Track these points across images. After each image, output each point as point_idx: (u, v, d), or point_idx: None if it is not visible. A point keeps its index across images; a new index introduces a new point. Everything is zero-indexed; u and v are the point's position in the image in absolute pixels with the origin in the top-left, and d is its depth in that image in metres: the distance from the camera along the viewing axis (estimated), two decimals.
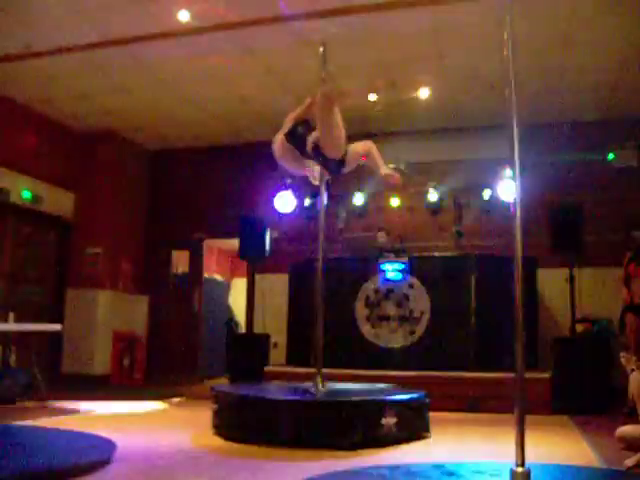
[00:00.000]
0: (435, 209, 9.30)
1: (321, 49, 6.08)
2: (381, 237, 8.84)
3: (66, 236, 10.47)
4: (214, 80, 8.65)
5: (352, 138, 5.39)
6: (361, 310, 8.17)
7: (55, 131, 10.18)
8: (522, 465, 2.74)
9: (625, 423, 4.61)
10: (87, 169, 10.60)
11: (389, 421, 4.84)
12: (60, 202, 10.25)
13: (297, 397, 5.20)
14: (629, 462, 4.05)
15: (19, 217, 9.54)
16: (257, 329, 9.54)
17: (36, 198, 9.61)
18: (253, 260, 9.71)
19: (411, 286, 8.09)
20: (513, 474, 2.74)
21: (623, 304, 6.81)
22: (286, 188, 9.55)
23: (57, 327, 8.24)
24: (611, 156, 9.11)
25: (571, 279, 8.04)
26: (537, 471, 2.90)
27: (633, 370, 4.42)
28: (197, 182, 11.23)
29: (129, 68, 8.30)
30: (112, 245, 10.59)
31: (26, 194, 9.45)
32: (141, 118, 10.13)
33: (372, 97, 8.80)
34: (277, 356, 9.38)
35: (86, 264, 10.34)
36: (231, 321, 12.82)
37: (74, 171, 10.52)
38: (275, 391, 5.82)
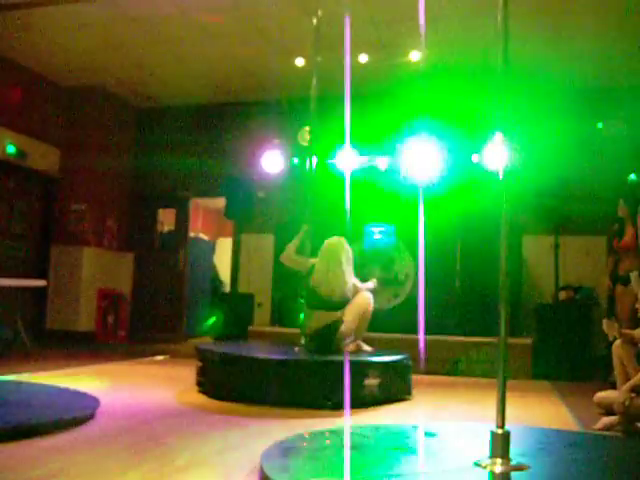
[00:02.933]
0: None
1: (315, 20, 6.06)
2: None
3: (51, 192, 10.39)
4: (204, 38, 8.53)
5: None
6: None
7: (41, 86, 10.03)
8: (502, 427, 2.78)
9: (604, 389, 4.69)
10: (73, 125, 10.49)
11: (372, 382, 4.89)
12: (45, 157, 10.14)
13: (281, 356, 5.23)
14: (597, 426, 4.15)
15: (3, 172, 9.44)
16: (242, 289, 9.56)
17: (21, 153, 9.50)
18: (239, 220, 9.69)
19: (397, 249, 8.11)
20: (493, 435, 2.78)
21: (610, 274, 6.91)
22: (273, 148, 9.50)
23: (42, 283, 8.23)
24: (600, 125, 9.10)
25: (556, 246, 8.09)
26: (516, 433, 2.95)
27: (615, 337, 4.49)
28: (184, 140, 11.13)
29: (118, 23, 8.16)
30: (97, 202, 10.52)
31: (10, 149, 9.34)
32: (129, 75, 9.99)
33: (363, 58, 8.74)
34: (261, 316, 9.42)
35: (71, 220, 10.28)
36: (216, 280, 12.83)
37: (60, 127, 10.40)
38: (259, 350, 5.86)
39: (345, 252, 5.78)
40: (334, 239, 5.88)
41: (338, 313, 5.57)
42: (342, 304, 5.62)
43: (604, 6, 7.26)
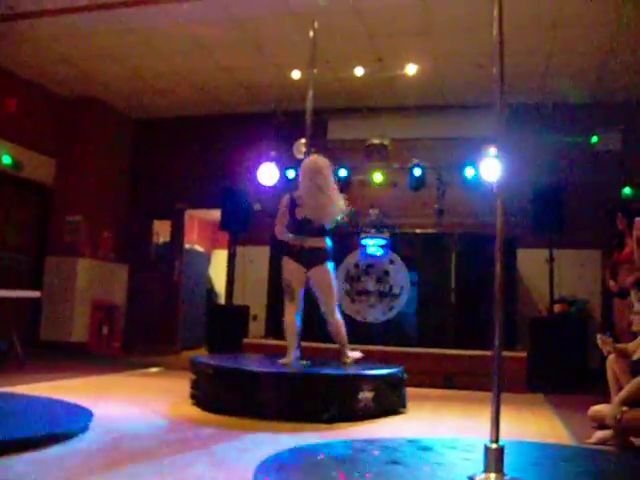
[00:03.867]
0: (418, 186, 9.27)
1: (311, 33, 6.08)
2: (373, 213, 8.85)
3: (46, 203, 10.38)
4: (200, 50, 8.55)
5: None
6: (341, 284, 8.16)
7: (37, 96, 10.04)
8: (496, 441, 2.78)
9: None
10: (69, 136, 10.49)
11: (366, 395, 4.88)
12: (41, 168, 10.14)
13: (275, 370, 5.22)
14: (591, 440, 4.15)
15: None
16: (237, 301, 9.55)
17: (17, 164, 9.50)
18: (234, 231, 9.70)
19: (391, 262, 8.11)
20: (487, 450, 2.77)
21: (611, 291, 6.91)
22: (269, 160, 9.51)
23: (36, 294, 8.21)
24: (594, 139, 9.14)
25: (551, 260, 8.11)
26: (511, 447, 2.94)
27: (610, 352, 4.49)
28: (180, 152, 11.15)
29: (115, 34, 8.18)
30: (93, 213, 10.52)
31: (6, 159, 9.33)
32: (125, 86, 10.01)
33: (358, 71, 8.76)
34: (256, 328, 9.40)
35: (66, 232, 10.26)
36: (211, 292, 12.82)
37: (56, 137, 10.41)
38: (253, 363, 5.84)
39: (322, 172, 5.62)
40: (310, 161, 5.74)
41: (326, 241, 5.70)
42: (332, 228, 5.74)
43: (599, 21, 7.30)
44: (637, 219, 6.15)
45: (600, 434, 4.14)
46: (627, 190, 8.77)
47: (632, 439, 3.95)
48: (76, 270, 10.16)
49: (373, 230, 8.33)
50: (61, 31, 8.11)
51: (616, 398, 4.10)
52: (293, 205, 5.67)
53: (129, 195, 11.40)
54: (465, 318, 7.88)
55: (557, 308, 8.42)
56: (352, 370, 5.34)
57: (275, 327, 8.66)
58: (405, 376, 5.46)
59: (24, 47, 8.59)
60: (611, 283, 7.00)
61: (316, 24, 6.15)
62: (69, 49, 8.65)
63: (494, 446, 2.77)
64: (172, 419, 4.62)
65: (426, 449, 3.54)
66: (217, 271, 12.86)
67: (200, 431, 4.20)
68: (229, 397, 4.88)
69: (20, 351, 7.20)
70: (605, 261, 8.60)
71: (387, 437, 4.06)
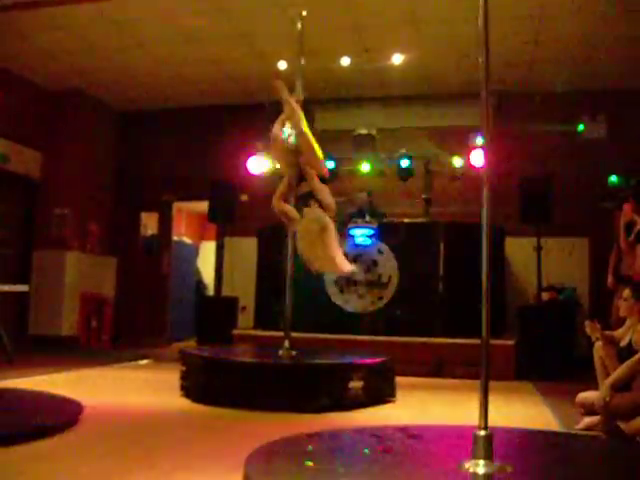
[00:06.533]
0: (406, 175, 9.28)
1: (299, 25, 6.05)
2: (362, 197, 8.85)
3: (33, 196, 10.32)
4: (185, 41, 8.51)
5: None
6: (329, 275, 8.16)
7: (23, 89, 9.97)
8: (485, 428, 2.79)
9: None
10: (55, 128, 10.43)
11: (356, 385, 4.90)
12: (27, 161, 10.08)
13: (264, 360, 5.23)
14: (579, 426, 4.19)
15: None
16: (225, 292, 9.54)
17: (2, 157, 9.44)
18: (222, 223, 9.68)
19: (380, 252, 8.12)
20: (476, 437, 2.79)
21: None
22: (257, 152, 9.49)
23: (24, 288, 8.18)
24: (581, 127, 9.17)
25: (538, 248, 8.14)
26: (499, 434, 2.96)
27: (597, 339, 4.52)
28: (167, 144, 11.11)
29: (99, 26, 8.13)
30: (80, 206, 10.47)
31: None
32: (111, 78, 9.95)
33: (345, 62, 8.74)
34: (245, 319, 9.40)
35: (53, 225, 10.21)
36: (200, 284, 12.81)
37: (42, 130, 10.34)
38: (242, 354, 5.85)
39: (321, 231, 4.83)
40: (306, 221, 4.93)
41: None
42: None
43: (584, 8, 7.31)
44: (625, 205, 6.15)
45: (588, 420, 4.19)
46: (613, 178, 8.80)
47: (619, 424, 3.98)
48: (64, 263, 10.11)
49: (360, 220, 8.33)
50: (46, 24, 8.04)
51: (605, 382, 4.13)
52: None
53: (116, 187, 11.35)
54: (454, 306, 7.90)
55: (545, 296, 8.46)
56: (342, 360, 5.36)
57: (264, 318, 8.67)
58: (394, 365, 5.48)
59: (9, 40, 8.52)
60: (609, 279, 6.85)
61: (304, 13, 6.11)
62: (55, 42, 8.58)
63: (483, 433, 2.79)
64: (162, 411, 4.62)
65: (415, 437, 3.55)
66: (205, 263, 12.84)
67: (190, 422, 4.21)
68: (218, 388, 4.89)
69: (8, 345, 7.17)
70: (592, 248, 8.68)
71: (377, 425, 4.07)
